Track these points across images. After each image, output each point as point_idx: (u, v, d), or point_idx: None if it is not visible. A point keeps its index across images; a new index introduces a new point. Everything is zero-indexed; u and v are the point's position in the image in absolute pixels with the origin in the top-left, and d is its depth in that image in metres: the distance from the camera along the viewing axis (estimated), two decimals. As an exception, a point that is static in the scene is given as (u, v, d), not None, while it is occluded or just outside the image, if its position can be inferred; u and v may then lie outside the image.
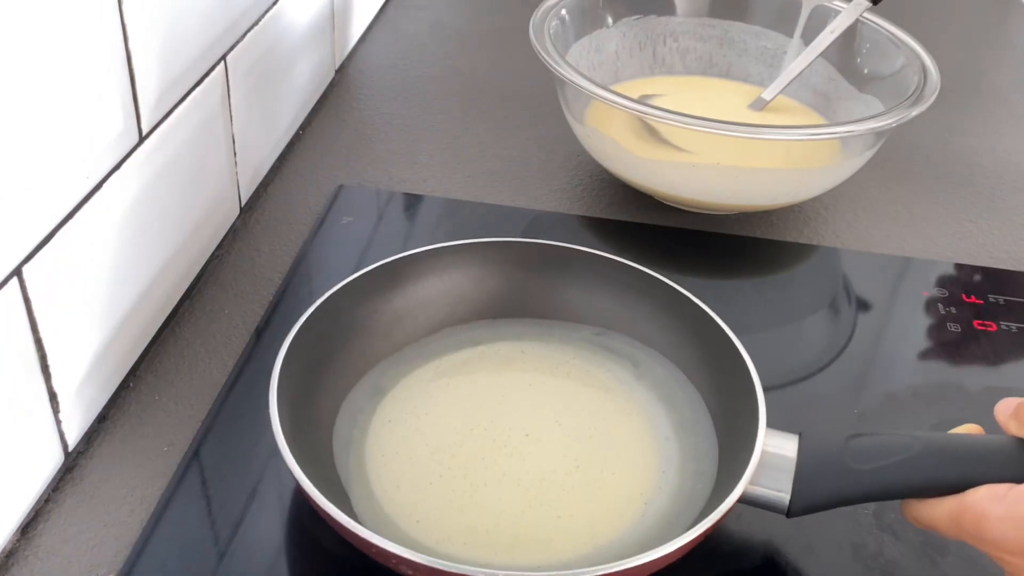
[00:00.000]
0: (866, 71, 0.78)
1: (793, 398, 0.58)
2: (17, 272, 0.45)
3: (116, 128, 0.51)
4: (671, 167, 0.69)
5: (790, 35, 0.82)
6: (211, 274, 0.65)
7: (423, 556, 0.41)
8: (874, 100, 0.74)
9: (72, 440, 0.52)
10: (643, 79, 0.82)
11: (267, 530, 0.49)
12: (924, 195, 0.78)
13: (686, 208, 0.73)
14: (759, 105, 0.78)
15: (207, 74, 0.61)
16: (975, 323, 0.64)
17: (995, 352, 0.62)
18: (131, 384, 0.57)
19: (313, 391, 0.51)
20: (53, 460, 0.51)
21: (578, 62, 0.75)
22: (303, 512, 0.49)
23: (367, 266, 0.55)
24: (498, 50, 0.94)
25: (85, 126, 0.49)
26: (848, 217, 0.75)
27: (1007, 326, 0.64)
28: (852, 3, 0.76)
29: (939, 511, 0.44)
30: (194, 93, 0.59)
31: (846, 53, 0.78)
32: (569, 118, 0.73)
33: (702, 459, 0.51)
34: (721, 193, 0.69)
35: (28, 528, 0.49)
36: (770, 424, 0.47)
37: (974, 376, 0.61)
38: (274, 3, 0.70)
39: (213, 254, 0.66)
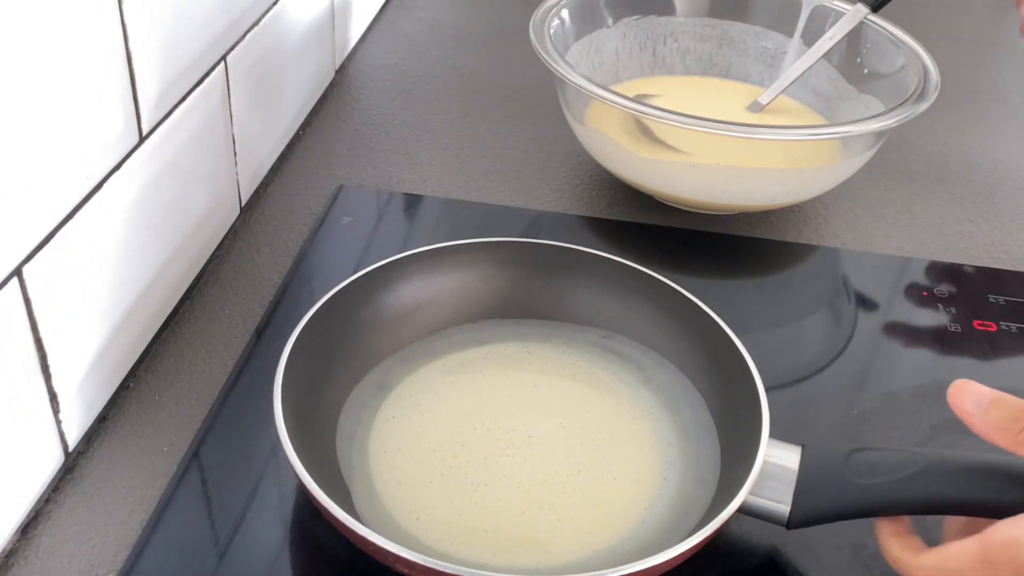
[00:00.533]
0: (866, 71, 0.78)
1: (793, 398, 0.58)
2: (17, 272, 0.45)
3: (116, 128, 0.51)
4: (671, 167, 0.69)
5: (790, 35, 0.82)
6: (211, 274, 0.65)
7: (419, 555, 0.41)
8: (874, 100, 0.74)
9: (72, 440, 0.52)
10: (643, 79, 0.82)
11: (267, 530, 0.49)
12: (924, 195, 0.78)
13: (686, 208, 0.73)
14: (756, 108, 0.78)
15: (207, 74, 0.61)
16: (975, 323, 0.64)
17: (995, 352, 0.62)
18: (131, 384, 0.57)
19: (318, 386, 0.51)
20: (53, 460, 0.51)
21: (578, 62, 0.75)
22: (303, 512, 0.49)
23: (367, 266, 0.55)
24: (498, 50, 0.94)
25: (85, 126, 0.49)
26: (848, 217, 0.75)
27: (1007, 326, 0.64)
28: (850, 11, 0.76)
29: (957, 558, 0.41)
30: (194, 93, 0.59)
31: (846, 53, 0.78)
32: (569, 118, 0.73)
33: (704, 466, 0.51)
34: (721, 193, 0.69)
35: (28, 528, 0.49)
36: (771, 425, 0.47)
37: (974, 376, 0.60)
38: (274, 3, 0.70)
39: (213, 254, 0.66)
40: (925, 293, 0.67)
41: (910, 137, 0.83)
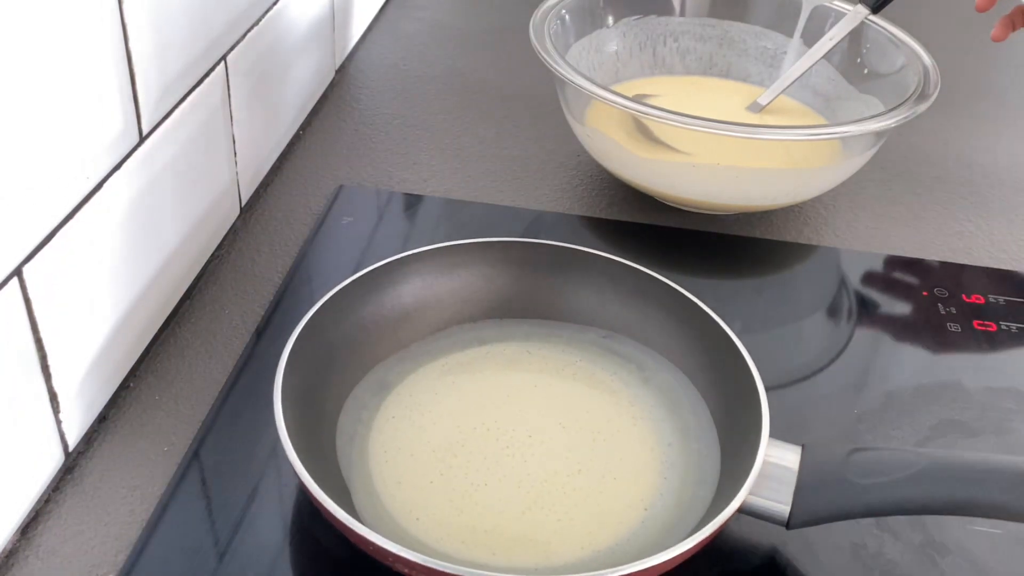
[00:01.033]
0: (866, 71, 0.78)
1: (793, 398, 0.58)
2: (17, 272, 0.45)
3: (116, 128, 0.51)
4: (671, 167, 0.69)
5: (790, 35, 0.82)
6: (211, 274, 0.65)
7: (419, 555, 0.41)
8: (874, 100, 0.74)
9: (72, 440, 0.52)
10: (643, 79, 0.82)
11: (267, 530, 0.49)
12: (924, 195, 0.78)
13: (686, 208, 0.73)
14: (756, 109, 0.78)
15: (207, 74, 0.61)
16: (975, 323, 0.64)
17: (995, 352, 0.62)
18: (131, 384, 0.57)
19: (318, 385, 0.51)
20: (53, 460, 0.51)
21: (578, 62, 0.75)
22: (303, 512, 0.49)
23: (367, 266, 0.55)
24: (498, 50, 0.94)
25: (85, 126, 0.49)
26: (848, 217, 0.75)
27: (1007, 326, 0.64)
28: (851, 12, 0.76)
29: None
30: (194, 93, 0.59)
31: (846, 53, 0.78)
32: (569, 118, 0.73)
33: (704, 466, 0.51)
34: (721, 193, 0.69)
35: (28, 528, 0.49)
36: (771, 424, 0.47)
37: (974, 376, 0.61)
38: (274, 3, 0.70)
39: (213, 254, 0.66)
40: (925, 293, 0.67)
41: (910, 137, 0.83)
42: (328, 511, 0.43)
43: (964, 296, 0.67)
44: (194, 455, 0.52)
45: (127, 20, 0.51)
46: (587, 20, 0.79)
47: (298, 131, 0.80)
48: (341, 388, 0.53)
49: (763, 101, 0.78)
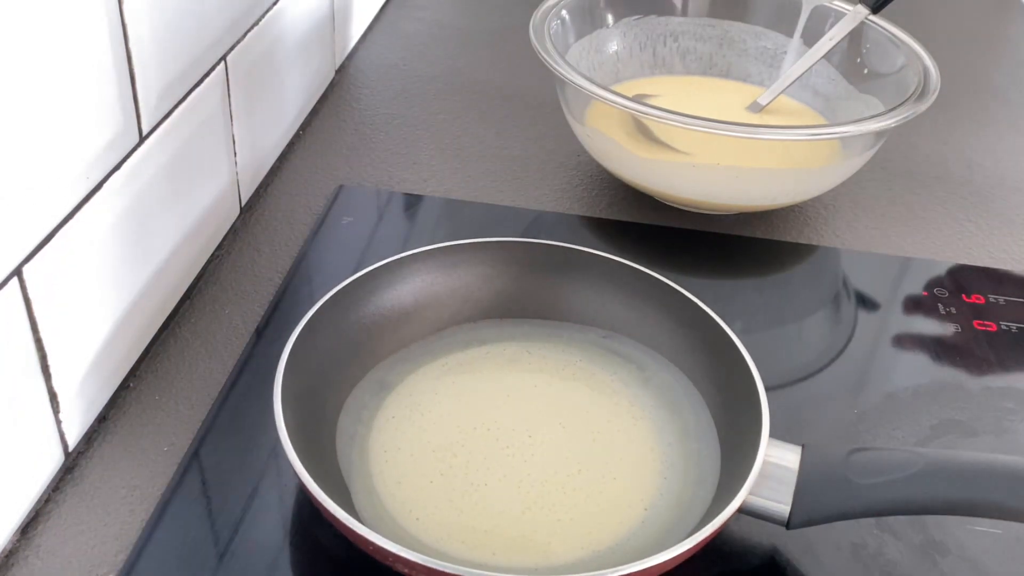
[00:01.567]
0: (866, 71, 0.78)
1: (793, 398, 0.58)
2: (17, 272, 0.45)
3: (116, 128, 0.51)
4: (671, 167, 0.69)
5: (790, 35, 0.82)
6: (211, 274, 0.65)
7: (419, 555, 0.41)
8: (874, 100, 0.74)
9: (72, 440, 0.52)
10: (643, 79, 0.82)
11: (267, 530, 0.49)
12: (924, 195, 0.78)
13: (686, 208, 0.73)
14: (756, 109, 0.78)
15: (207, 74, 0.61)
16: (975, 323, 0.64)
17: (995, 352, 0.62)
18: (131, 384, 0.57)
19: (318, 385, 0.51)
20: (53, 460, 0.51)
21: (578, 62, 0.75)
22: (304, 512, 0.49)
23: (367, 266, 0.55)
24: (498, 50, 0.94)
25: (85, 126, 0.49)
26: (848, 217, 0.75)
27: (1007, 326, 0.64)
28: (851, 12, 0.76)
29: None
30: (194, 93, 0.59)
31: (846, 53, 0.78)
32: (569, 118, 0.73)
33: (704, 466, 0.51)
34: (720, 193, 0.69)
35: (28, 528, 0.49)
36: (771, 425, 0.47)
37: (974, 376, 0.61)
38: (274, 3, 0.70)
39: (213, 254, 0.66)
40: (925, 293, 0.67)
41: (910, 137, 0.83)
42: (328, 511, 0.43)
43: (964, 296, 0.67)
44: (194, 455, 0.52)
45: (127, 20, 0.51)
46: (587, 20, 0.79)
47: (298, 131, 0.80)
48: (341, 388, 0.53)
49: (763, 101, 0.78)
